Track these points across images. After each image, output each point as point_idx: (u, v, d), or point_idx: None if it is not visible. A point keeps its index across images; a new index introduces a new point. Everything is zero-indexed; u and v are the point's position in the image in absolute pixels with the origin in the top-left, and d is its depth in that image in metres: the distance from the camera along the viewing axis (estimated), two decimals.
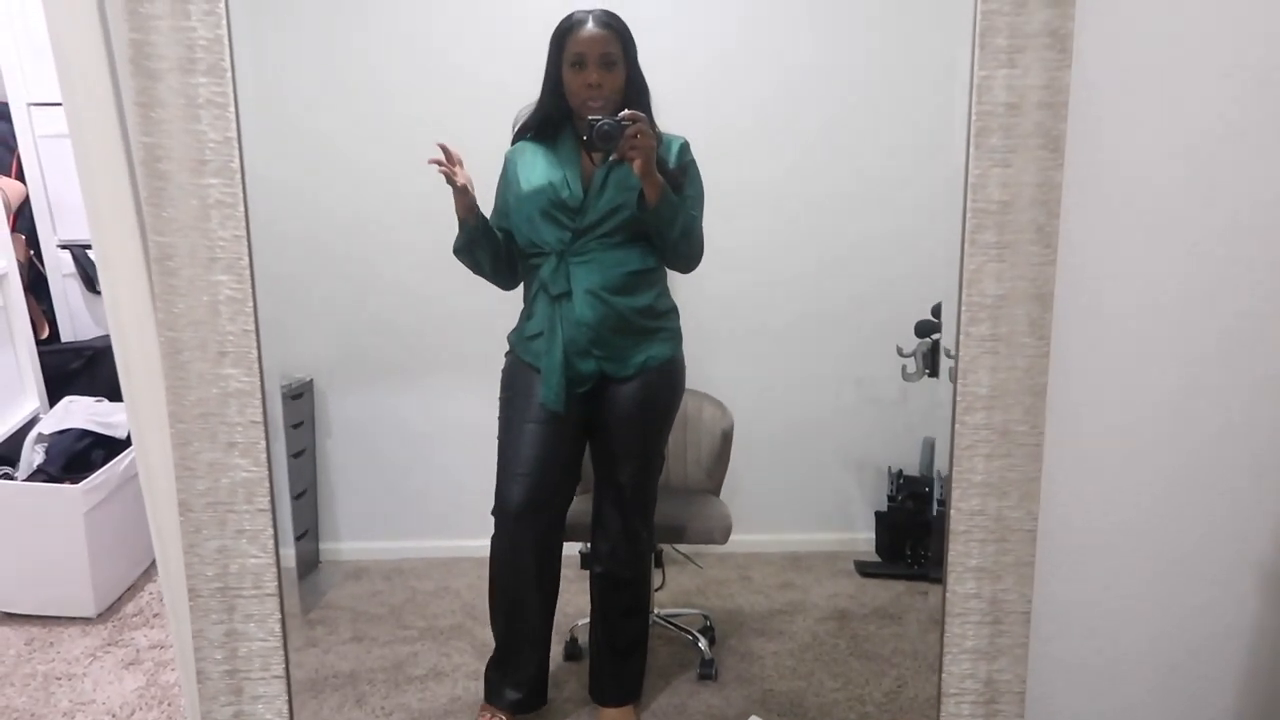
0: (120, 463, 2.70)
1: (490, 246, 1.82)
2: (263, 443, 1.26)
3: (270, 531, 1.27)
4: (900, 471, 2.47)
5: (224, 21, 1.18)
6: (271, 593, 1.27)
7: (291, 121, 2.18)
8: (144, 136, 1.20)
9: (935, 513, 2.22)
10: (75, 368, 3.05)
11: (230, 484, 1.26)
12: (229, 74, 1.20)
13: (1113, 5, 1.26)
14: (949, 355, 2.01)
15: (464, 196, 1.75)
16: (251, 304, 1.25)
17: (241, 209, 1.23)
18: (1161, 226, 1.32)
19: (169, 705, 2.24)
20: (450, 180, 1.73)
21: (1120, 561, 1.42)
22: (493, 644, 1.96)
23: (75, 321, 3.29)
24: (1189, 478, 1.40)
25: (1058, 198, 1.24)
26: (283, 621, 1.29)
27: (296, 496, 2.39)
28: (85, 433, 2.72)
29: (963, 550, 1.30)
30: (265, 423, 1.26)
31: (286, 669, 1.29)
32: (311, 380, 2.44)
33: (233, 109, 1.21)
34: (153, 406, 1.29)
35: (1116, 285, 1.34)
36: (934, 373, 2.17)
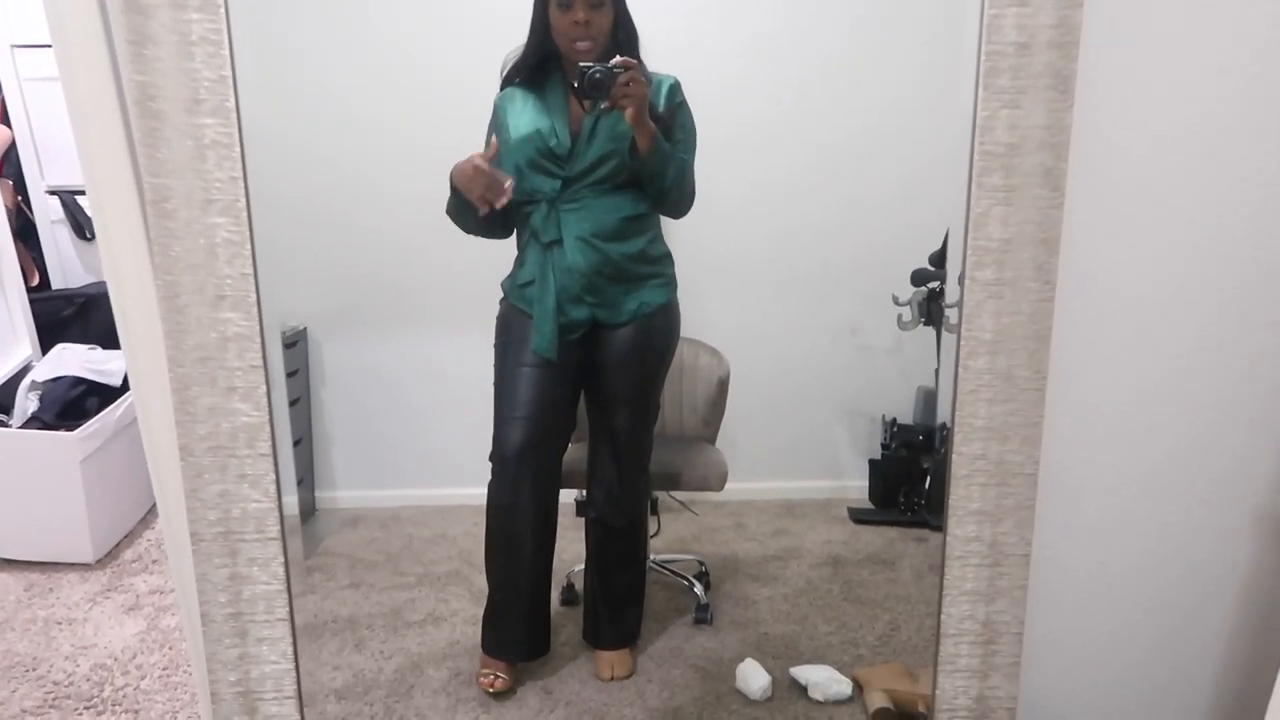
0: (115, 410, 2.69)
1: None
2: (263, 387, 1.25)
3: (272, 476, 1.26)
4: (894, 420, 2.48)
5: None
6: (274, 536, 1.27)
7: (287, 67, 2.13)
8: (137, 75, 1.17)
9: (936, 459, 2.24)
10: (67, 315, 3.03)
11: (231, 429, 1.25)
12: (222, 9, 1.17)
13: None
14: (946, 307, 2.01)
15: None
16: (249, 247, 1.23)
17: (238, 150, 1.20)
18: (1175, 169, 1.31)
19: (170, 649, 2.26)
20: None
21: (1120, 506, 1.43)
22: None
23: (66, 269, 3.27)
24: (1191, 424, 1.41)
25: (1066, 140, 1.23)
26: (286, 565, 1.29)
27: (293, 445, 2.40)
28: (79, 380, 2.71)
29: (964, 494, 1.31)
30: (265, 367, 1.25)
31: (290, 612, 1.30)
32: (306, 329, 2.42)
33: (227, 46, 1.18)
34: (151, 351, 1.28)
35: (1124, 231, 1.33)
36: (930, 321, 2.17)
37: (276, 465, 1.27)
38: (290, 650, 1.31)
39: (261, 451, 1.26)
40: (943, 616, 1.34)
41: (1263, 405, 1.41)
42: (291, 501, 1.27)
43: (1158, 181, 1.32)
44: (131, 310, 1.29)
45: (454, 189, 1.76)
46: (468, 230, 1.83)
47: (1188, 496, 1.43)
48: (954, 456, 1.30)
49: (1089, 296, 1.34)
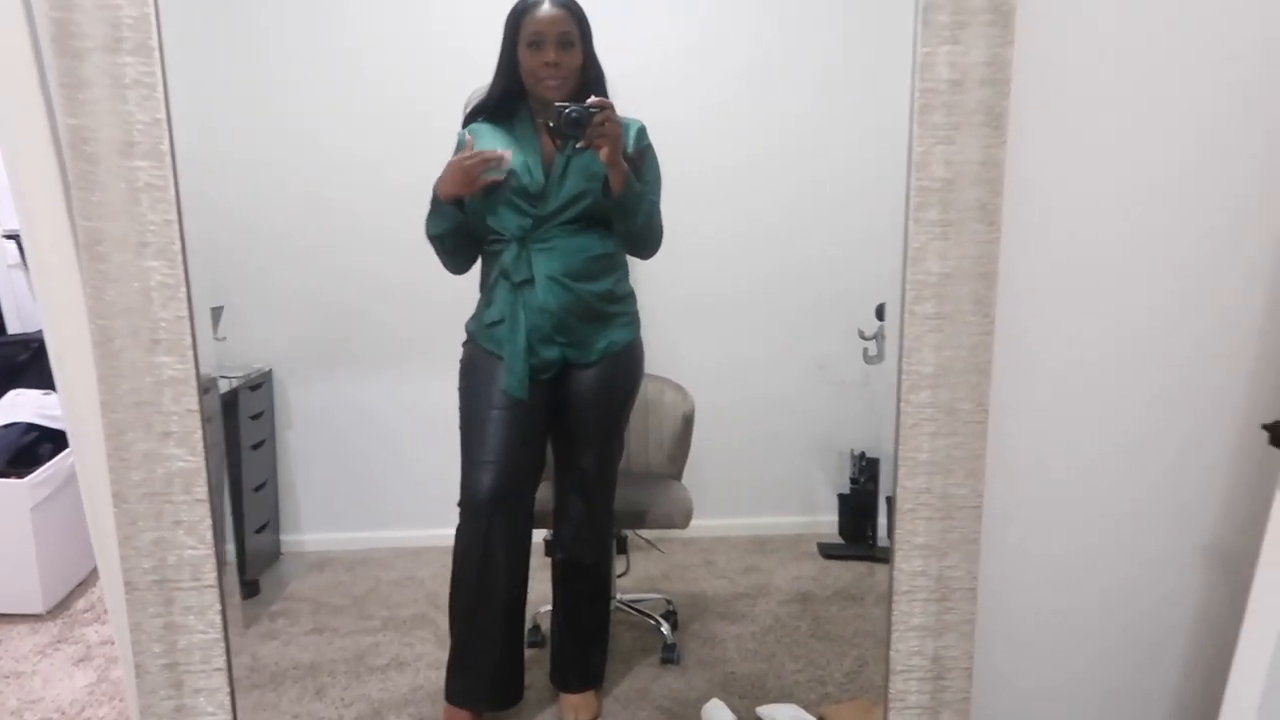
0: (68, 457, 2.66)
1: (467, 232, 1.79)
2: (199, 432, 1.24)
3: (209, 522, 1.24)
4: (863, 454, 2.47)
5: None
6: (211, 584, 1.25)
7: (248, 103, 2.15)
8: (70, 118, 1.17)
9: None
10: (23, 360, 3.00)
11: (166, 474, 1.24)
12: (157, 53, 1.17)
13: None
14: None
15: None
16: (185, 290, 1.22)
17: (173, 192, 1.20)
18: (1105, 202, 1.32)
19: (120, 701, 2.21)
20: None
21: (1065, 537, 1.43)
22: None
23: (22, 313, 3.24)
24: (1134, 452, 1.41)
25: (1000, 175, 1.24)
26: (223, 613, 1.27)
27: (256, 488, 2.37)
28: (31, 426, 2.68)
29: (909, 528, 1.30)
30: (201, 411, 1.24)
31: (228, 661, 1.27)
32: (271, 370, 2.41)
33: (161, 90, 1.18)
34: (86, 396, 1.26)
35: (1061, 264, 1.34)
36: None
37: (213, 511, 1.25)
38: (228, 701, 1.28)
39: (198, 497, 1.24)
40: (891, 653, 1.32)
41: (1207, 439, 1.41)
42: (228, 549, 1.24)
43: (1091, 213, 1.33)
44: (67, 354, 1.28)
45: (441, 204, 1.74)
46: (447, 251, 1.82)
47: (1134, 530, 1.43)
48: (898, 491, 1.29)
49: (1029, 329, 1.34)
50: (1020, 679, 1.47)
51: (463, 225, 1.76)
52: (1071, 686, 1.50)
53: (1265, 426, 1.14)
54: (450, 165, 1.72)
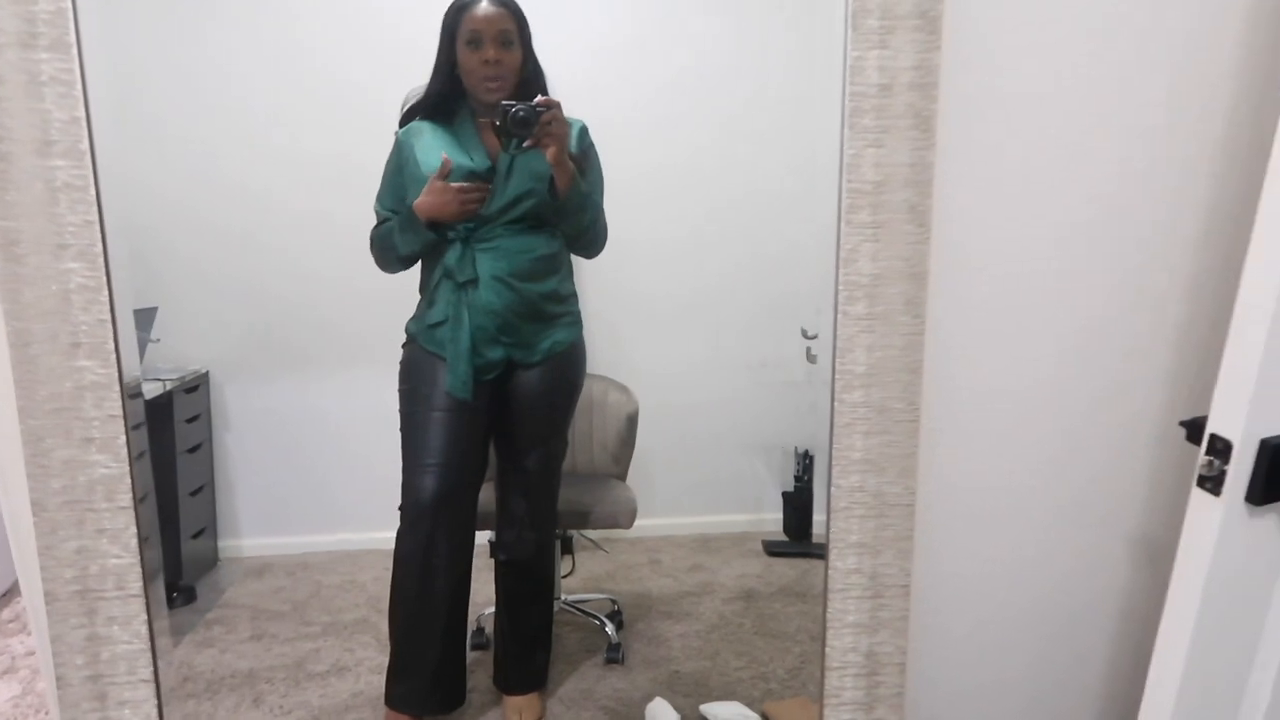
0: None
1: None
2: (123, 437, 1.21)
3: (133, 530, 1.21)
4: (806, 451, 2.50)
5: None
6: (136, 593, 1.22)
7: (186, 98, 2.11)
8: None
9: None
10: None
11: (88, 481, 1.20)
12: (74, 49, 1.14)
13: None
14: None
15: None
16: (106, 293, 1.19)
17: (93, 192, 1.17)
18: (1031, 204, 1.35)
19: (46, 714, 2.15)
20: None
21: (996, 534, 1.46)
22: None
23: None
24: (1062, 449, 1.44)
25: (930, 177, 1.26)
26: (149, 623, 1.24)
27: (193, 493, 2.32)
28: None
29: (843, 526, 1.32)
30: (125, 416, 1.20)
31: (155, 672, 1.24)
32: (207, 372, 2.36)
33: (80, 87, 1.15)
34: (3, 402, 1.22)
35: (989, 265, 1.36)
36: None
37: (139, 518, 1.22)
38: (155, 713, 1.25)
39: (122, 504, 1.21)
40: (826, 649, 1.34)
41: (1131, 430, 1.45)
42: (154, 556, 1.22)
43: (1019, 215, 1.36)
44: None
45: (418, 225, 1.71)
46: (392, 260, 1.79)
47: (1063, 522, 1.46)
48: (832, 489, 1.30)
49: (958, 330, 1.37)
50: (954, 674, 1.50)
51: (432, 243, 1.74)
52: (1004, 680, 1.53)
53: (1183, 423, 1.18)
54: (437, 189, 1.67)
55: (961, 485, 1.41)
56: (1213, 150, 1.35)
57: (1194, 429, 1.12)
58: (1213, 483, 1.01)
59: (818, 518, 2.42)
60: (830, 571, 1.33)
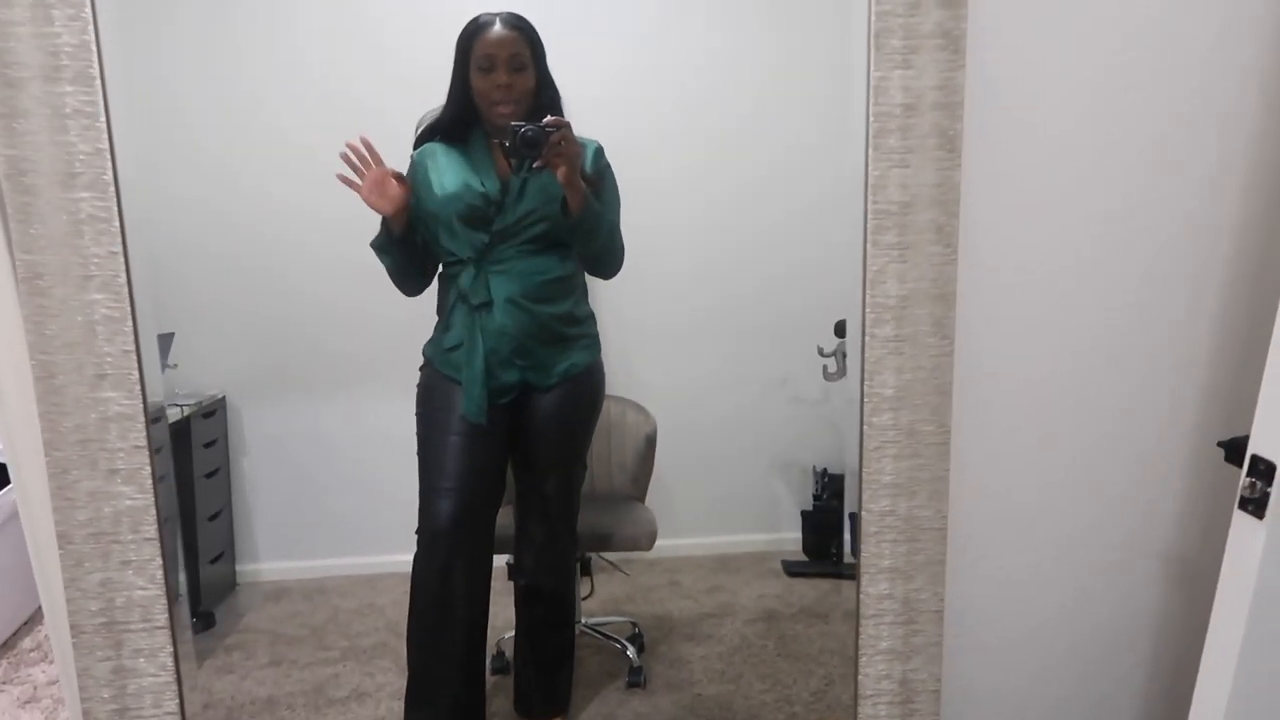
0: (10, 493, 2.57)
1: (410, 247, 1.76)
2: (147, 468, 1.20)
3: (159, 561, 1.21)
4: (825, 470, 2.48)
5: (90, 27, 1.12)
6: (162, 625, 1.21)
7: (192, 134, 2.12)
8: (7, 149, 1.14)
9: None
10: None
11: (113, 513, 1.20)
12: (98, 82, 1.14)
13: (1004, 5, 1.27)
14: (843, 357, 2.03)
15: (386, 199, 1.68)
16: (131, 323, 1.18)
17: (117, 224, 1.17)
18: (1058, 221, 1.34)
19: None
20: (353, 184, 1.66)
21: (1028, 556, 1.44)
22: None
23: None
24: (1094, 469, 1.42)
25: (956, 197, 1.25)
26: (175, 654, 1.23)
27: (210, 518, 2.32)
28: None
29: (875, 551, 1.30)
30: (149, 447, 1.20)
31: (180, 705, 1.23)
32: (224, 397, 2.36)
33: (103, 119, 1.15)
34: (28, 434, 1.22)
35: (1017, 285, 1.35)
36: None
37: (164, 546, 1.21)
38: None
39: (147, 535, 1.21)
40: (860, 677, 1.32)
41: (1164, 449, 1.43)
42: (181, 584, 1.21)
43: (1046, 233, 1.34)
44: (7, 391, 1.23)
45: (383, 221, 1.71)
46: (393, 266, 1.78)
47: (1096, 544, 1.44)
48: (863, 514, 1.29)
49: (987, 350, 1.35)
50: (989, 699, 1.48)
51: (402, 243, 1.73)
52: (1041, 704, 1.50)
53: (1221, 444, 1.16)
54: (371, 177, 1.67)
55: (992, 507, 1.39)
56: (1241, 163, 1.33)
57: (1233, 450, 1.10)
58: (1255, 505, 0.99)
59: (839, 537, 2.41)
60: (862, 597, 1.31)
